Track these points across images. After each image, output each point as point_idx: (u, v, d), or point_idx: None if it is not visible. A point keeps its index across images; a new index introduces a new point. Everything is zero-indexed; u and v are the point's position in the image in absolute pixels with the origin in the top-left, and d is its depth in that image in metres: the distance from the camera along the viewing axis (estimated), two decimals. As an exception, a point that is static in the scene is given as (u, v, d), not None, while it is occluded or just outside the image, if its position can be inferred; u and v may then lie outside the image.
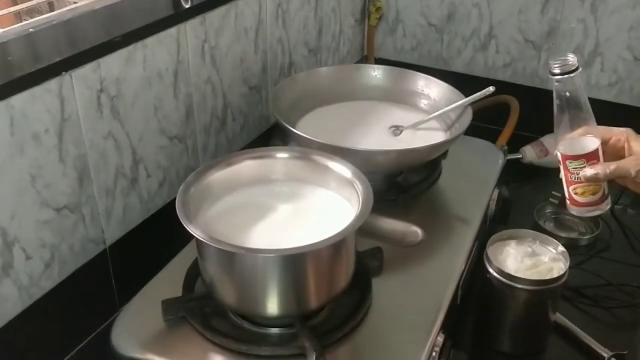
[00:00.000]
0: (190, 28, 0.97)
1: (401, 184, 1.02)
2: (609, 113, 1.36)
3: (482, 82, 1.06)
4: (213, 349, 0.74)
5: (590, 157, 0.79)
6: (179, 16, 0.95)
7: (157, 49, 0.92)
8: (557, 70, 0.78)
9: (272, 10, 1.17)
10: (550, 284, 0.88)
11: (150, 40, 0.90)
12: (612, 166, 0.78)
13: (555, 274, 0.88)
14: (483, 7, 1.47)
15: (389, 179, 1.02)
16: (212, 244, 0.69)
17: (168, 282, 0.83)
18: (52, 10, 1.02)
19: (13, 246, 0.77)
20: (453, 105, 1.06)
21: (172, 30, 0.94)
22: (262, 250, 0.71)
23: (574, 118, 0.79)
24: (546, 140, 1.36)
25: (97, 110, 0.84)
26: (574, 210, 0.83)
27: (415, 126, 1.07)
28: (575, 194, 0.81)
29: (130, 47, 0.87)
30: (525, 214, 1.22)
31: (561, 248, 0.93)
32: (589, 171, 0.79)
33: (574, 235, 1.20)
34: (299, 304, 0.74)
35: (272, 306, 0.73)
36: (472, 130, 1.07)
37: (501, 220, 1.07)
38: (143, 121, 0.92)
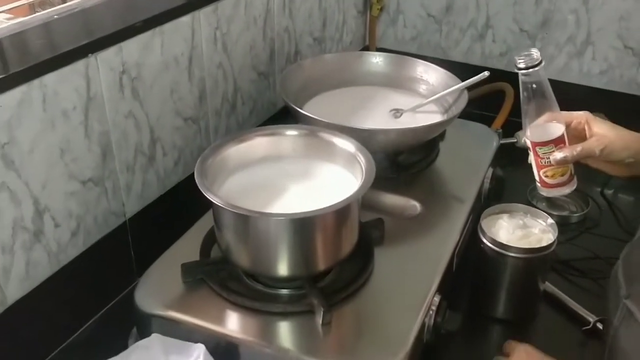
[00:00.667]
0: (204, 16, 1.04)
1: (402, 163, 1.09)
2: (600, 100, 1.44)
3: (479, 71, 1.11)
4: (229, 307, 0.81)
5: (558, 142, 0.87)
6: (193, 4, 1.01)
7: (173, 35, 0.98)
8: (522, 65, 0.85)
9: (279, 0, 1.24)
10: (540, 252, 0.94)
11: (167, 27, 0.97)
12: (578, 148, 0.86)
13: (544, 244, 0.95)
14: (480, -2, 1.54)
15: (391, 158, 1.08)
16: (229, 209, 0.75)
17: (186, 249, 0.90)
18: (64, 2, 1.08)
19: (44, 214, 0.84)
20: (450, 89, 1.12)
21: (187, 18, 1.00)
22: (275, 214, 0.78)
23: (539, 107, 0.87)
24: (540, 125, 1.43)
25: (119, 91, 0.91)
26: (544, 191, 0.91)
27: (414, 109, 1.14)
28: (546, 176, 0.89)
29: (149, 33, 0.94)
30: (518, 194, 1.28)
31: (550, 220, 0.99)
32: (558, 155, 0.86)
33: (565, 213, 1.27)
34: (308, 266, 0.81)
35: (284, 267, 0.80)
36: (470, 117, 1.14)
37: (495, 197, 1.14)
38: (160, 103, 0.99)
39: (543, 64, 0.85)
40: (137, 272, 1.01)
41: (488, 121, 1.41)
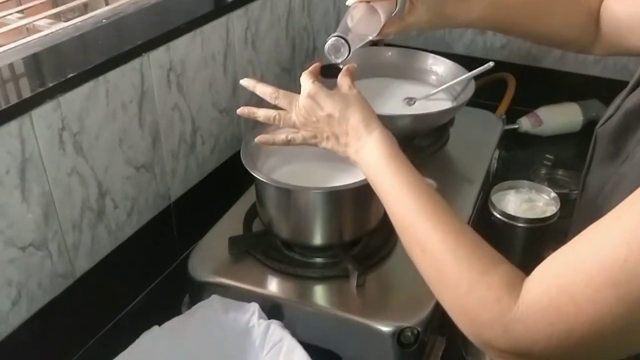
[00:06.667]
0: (237, 18, 1.14)
1: (417, 145, 1.20)
2: (595, 87, 1.55)
3: (482, 62, 1.22)
4: (272, 273, 0.92)
5: None
6: (227, 7, 1.11)
7: (212, 35, 1.09)
8: None
9: (299, 1, 1.34)
10: (545, 222, 1.05)
11: (206, 28, 1.07)
12: None
13: (548, 214, 1.06)
14: (481, -5, 1.64)
15: (406, 142, 1.18)
16: (273, 184, 0.87)
17: (229, 225, 1.00)
18: (87, 11, 1.13)
19: (105, 196, 0.95)
20: (458, 79, 1.23)
21: (223, 19, 1.11)
22: (314, 187, 0.89)
23: None
24: (540, 112, 1.54)
25: (167, 85, 1.02)
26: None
27: (426, 97, 1.24)
28: None
29: (191, 34, 1.04)
30: (521, 175, 1.39)
31: (553, 194, 1.10)
32: None
33: (565, 191, 1.38)
34: (341, 235, 0.92)
35: (321, 236, 0.91)
36: (474, 106, 1.24)
37: (501, 176, 1.25)
38: (200, 96, 1.10)
39: None
40: (179, 250, 1.12)
41: (491, 109, 1.51)
